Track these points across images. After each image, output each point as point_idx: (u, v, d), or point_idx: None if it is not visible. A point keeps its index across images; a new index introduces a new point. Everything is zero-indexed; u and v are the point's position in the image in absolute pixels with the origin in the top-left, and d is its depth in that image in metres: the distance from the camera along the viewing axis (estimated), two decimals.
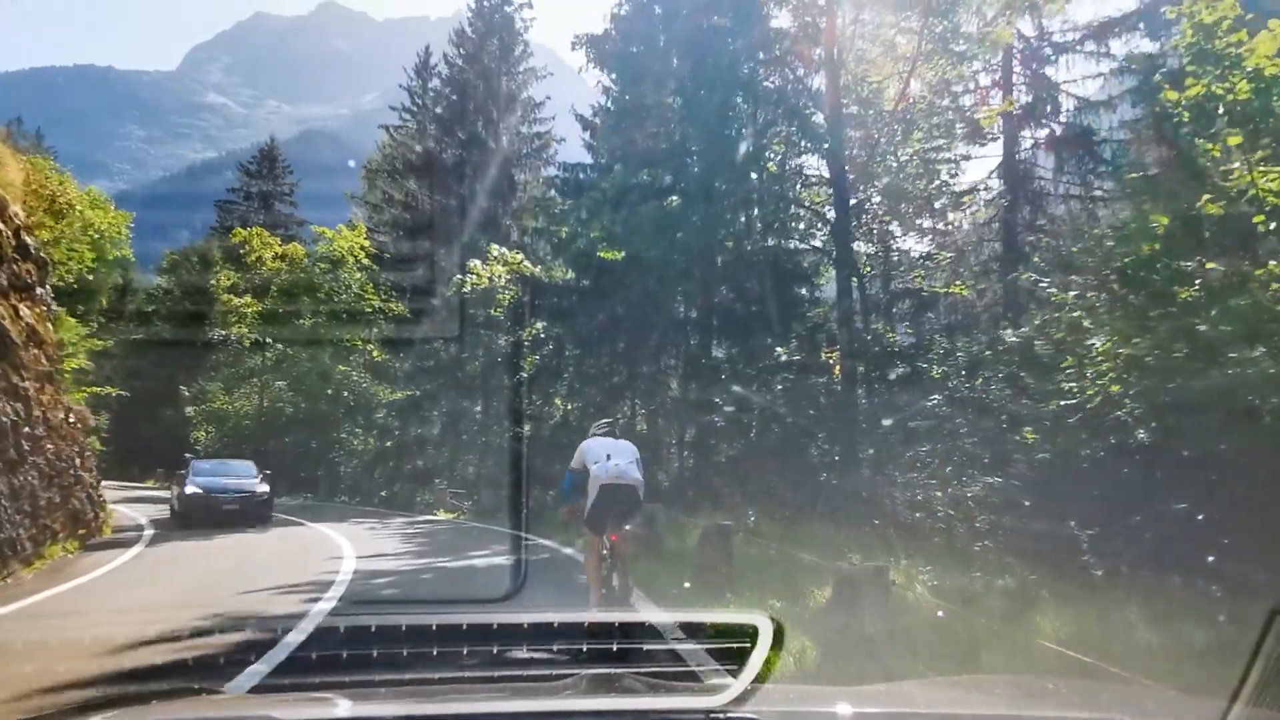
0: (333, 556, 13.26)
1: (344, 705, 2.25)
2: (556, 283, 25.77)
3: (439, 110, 36.36)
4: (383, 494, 33.48)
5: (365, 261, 35.86)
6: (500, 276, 26.79)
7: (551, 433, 26.88)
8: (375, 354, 35.90)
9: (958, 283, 18.46)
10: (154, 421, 47.85)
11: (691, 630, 6.49)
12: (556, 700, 2.14)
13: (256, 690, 5.10)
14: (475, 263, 26.81)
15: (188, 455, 45.46)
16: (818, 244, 20.92)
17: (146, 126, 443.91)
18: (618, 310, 25.06)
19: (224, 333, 44.03)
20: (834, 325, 21.01)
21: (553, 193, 26.24)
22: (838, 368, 18.89)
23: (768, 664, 1.92)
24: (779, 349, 16.91)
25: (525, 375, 29.41)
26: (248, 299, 42.03)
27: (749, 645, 1.99)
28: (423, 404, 32.04)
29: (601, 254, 17.75)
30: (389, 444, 34.52)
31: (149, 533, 18.10)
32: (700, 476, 23.03)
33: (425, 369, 32.61)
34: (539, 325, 26.86)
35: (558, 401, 30.07)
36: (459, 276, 27.07)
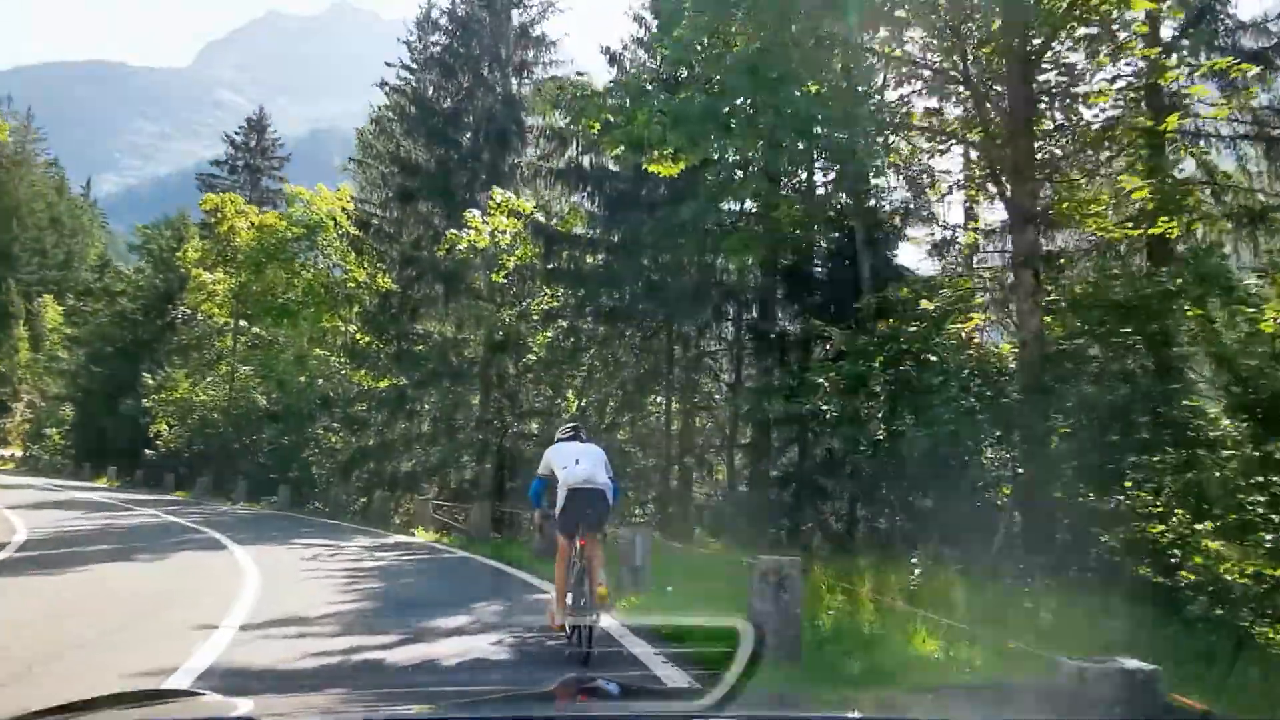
0: (201, 624, 7.72)
1: (330, 705, 2.20)
2: (577, 235, 20.05)
3: (438, 51, 30.66)
4: (363, 501, 27.96)
5: (349, 228, 30.26)
6: (505, 232, 21.21)
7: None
8: (359, 336, 30.18)
9: (1172, 219, 12.69)
10: (115, 414, 42.35)
11: (671, 636, 6.54)
12: (535, 708, 2.10)
13: None
14: (473, 213, 21.16)
15: (148, 451, 40.20)
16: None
17: (158, 122, 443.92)
18: (653, 275, 19.48)
19: (188, 311, 38.63)
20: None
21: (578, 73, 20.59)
22: (973, 340, 13.25)
23: (749, 669, 1.85)
24: (926, 303, 11.21)
25: (534, 359, 23.84)
26: (219, 273, 36.61)
27: (730, 650, 1.93)
28: (409, 395, 26.42)
29: (652, 166, 12.12)
30: (370, 443, 28.82)
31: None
32: (761, 494, 17.38)
33: (414, 353, 27.08)
34: (552, 294, 21.28)
35: (570, 395, 24.52)
36: (452, 232, 21.45)
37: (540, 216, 21.51)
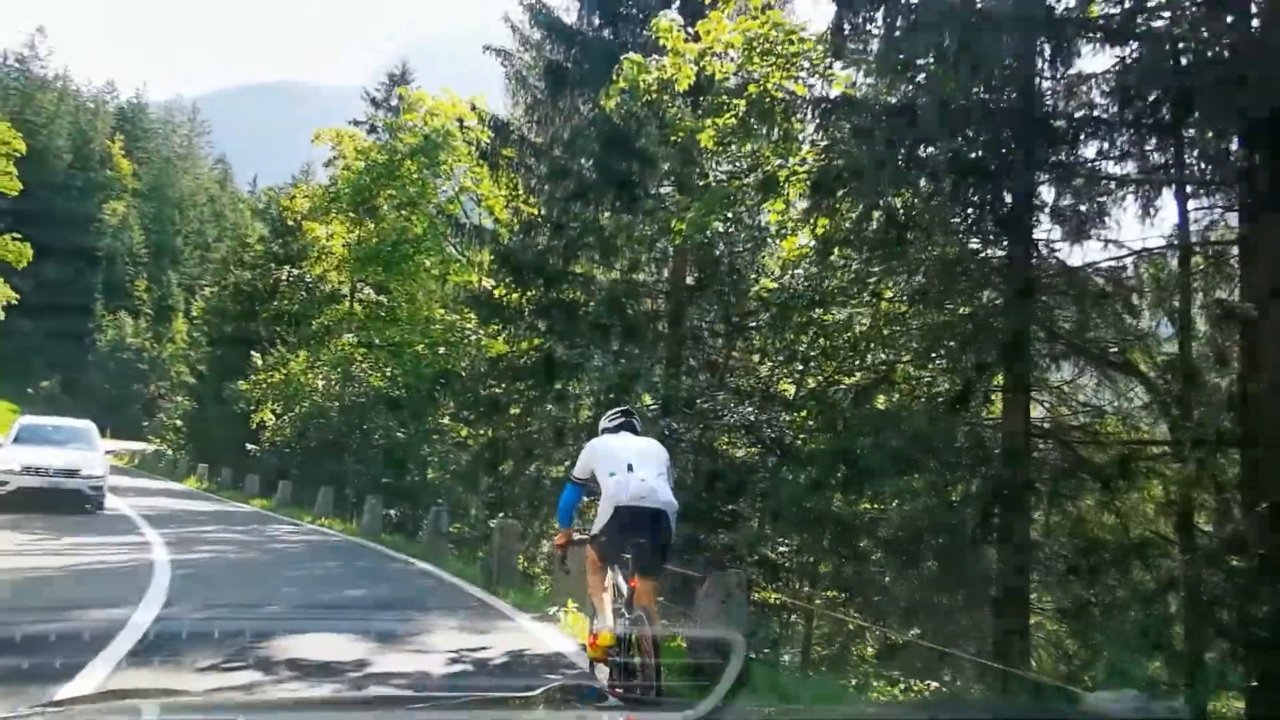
0: None
1: (321, 708, 2.13)
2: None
3: None
4: (496, 521, 18.99)
5: (479, 134, 21.53)
6: (722, 54, 11.65)
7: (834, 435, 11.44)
8: (498, 290, 21.25)
9: None
10: (221, 403, 35.58)
11: (663, 646, 5.77)
12: (525, 714, 1.96)
13: None
14: (668, 18, 11.67)
15: (250, 446, 33.08)
16: None
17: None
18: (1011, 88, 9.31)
19: (295, 272, 31.27)
20: None
21: None
22: None
23: (740, 680, 1.70)
24: None
25: (761, 298, 14.10)
26: (336, 224, 29.00)
27: (722, 662, 1.94)
28: (559, 363, 17.33)
29: None
30: (511, 436, 19.77)
31: None
32: None
33: (567, 303, 18.05)
34: (822, 152, 11.42)
35: (805, 363, 14.63)
36: (631, 56, 12.01)
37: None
